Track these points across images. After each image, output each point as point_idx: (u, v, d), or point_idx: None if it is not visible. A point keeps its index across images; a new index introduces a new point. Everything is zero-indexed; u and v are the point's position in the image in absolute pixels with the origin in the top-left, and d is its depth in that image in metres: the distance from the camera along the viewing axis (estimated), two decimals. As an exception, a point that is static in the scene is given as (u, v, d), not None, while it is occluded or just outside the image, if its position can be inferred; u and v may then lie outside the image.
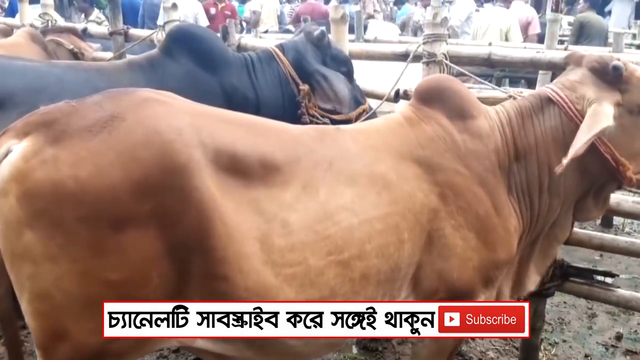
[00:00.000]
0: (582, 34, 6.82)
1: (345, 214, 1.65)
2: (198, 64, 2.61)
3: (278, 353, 1.70)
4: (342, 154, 1.74)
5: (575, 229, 2.65)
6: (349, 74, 2.88)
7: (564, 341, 3.27)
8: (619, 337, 3.30)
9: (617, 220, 4.97)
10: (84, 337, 1.46)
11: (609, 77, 1.84)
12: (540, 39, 6.26)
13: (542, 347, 3.11)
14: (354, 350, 2.95)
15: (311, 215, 1.61)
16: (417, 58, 2.85)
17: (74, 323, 1.45)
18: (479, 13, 7.33)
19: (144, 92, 1.61)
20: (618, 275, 2.69)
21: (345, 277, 1.64)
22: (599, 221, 4.97)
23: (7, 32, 4.62)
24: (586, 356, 3.13)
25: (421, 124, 1.88)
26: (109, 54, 4.19)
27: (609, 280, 2.79)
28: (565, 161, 1.71)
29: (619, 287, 2.63)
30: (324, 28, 2.84)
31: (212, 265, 1.48)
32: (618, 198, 2.46)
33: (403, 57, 2.97)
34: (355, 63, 2.99)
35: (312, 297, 1.61)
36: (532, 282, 2.13)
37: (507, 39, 6.33)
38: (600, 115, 1.75)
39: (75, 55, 3.96)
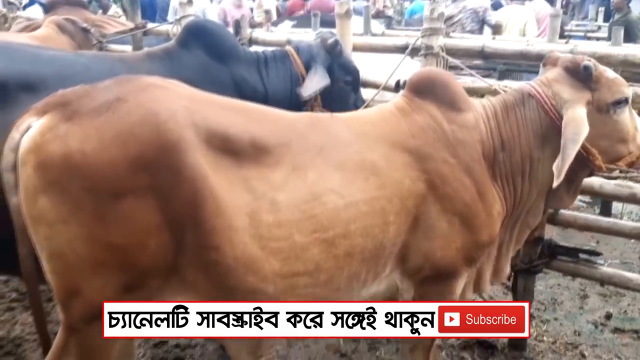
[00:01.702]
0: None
1: (332, 196, 1.77)
2: (211, 56, 2.78)
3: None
4: (334, 140, 1.86)
5: (563, 211, 2.85)
6: (354, 83, 3.06)
7: (555, 319, 3.43)
8: (608, 317, 3.44)
9: (615, 210, 5.10)
10: (94, 294, 1.62)
11: (581, 76, 2.00)
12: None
13: (533, 324, 3.29)
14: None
15: (299, 195, 1.73)
16: (416, 50, 3.05)
17: (84, 282, 1.61)
18: (497, 12, 7.48)
19: (148, 78, 1.77)
20: (601, 254, 2.85)
21: (330, 253, 1.76)
22: (597, 210, 5.13)
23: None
24: (575, 332, 3.28)
25: (413, 114, 2.00)
26: (127, 47, 4.42)
27: (600, 260, 2.95)
28: (561, 174, 1.85)
29: (602, 265, 2.80)
30: (337, 38, 3.01)
31: (203, 235, 1.62)
32: (601, 181, 2.64)
33: (403, 49, 3.17)
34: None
35: (297, 270, 1.73)
36: (508, 267, 2.28)
37: (524, 34, 6.54)
38: (579, 126, 1.91)
39: (88, 32, 4.08)
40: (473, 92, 2.40)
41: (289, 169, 1.77)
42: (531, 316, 3.31)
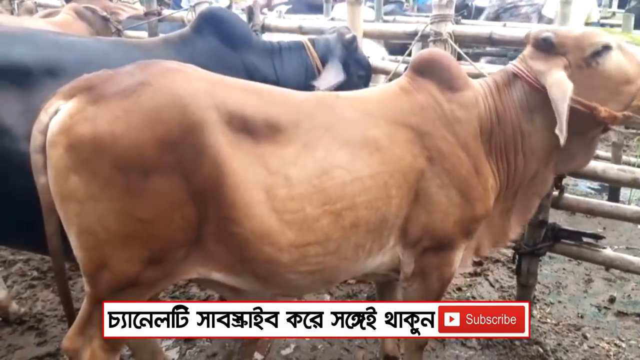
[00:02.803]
0: None
1: (339, 171, 1.88)
2: (224, 43, 2.88)
3: (280, 286, 1.96)
4: (340, 119, 1.96)
5: (567, 195, 2.91)
6: (366, 79, 3.16)
7: (559, 302, 3.50)
8: (612, 300, 3.51)
9: (624, 197, 5.14)
10: (121, 266, 1.72)
11: (545, 47, 2.07)
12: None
13: (537, 307, 3.37)
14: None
15: (309, 171, 1.85)
16: (425, 37, 3.11)
17: (113, 254, 1.70)
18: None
19: (168, 63, 1.86)
20: (604, 237, 2.90)
21: (338, 224, 1.88)
22: (606, 197, 5.17)
23: (32, 10, 4.95)
24: (578, 315, 3.36)
25: (414, 93, 2.09)
26: (143, 34, 4.51)
27: (603, 244, 3.00)
28: (562, 133, 1.89)
29: (604, 248, 2.86)
30: (355, 34, 3.09)
31: (224, 210, 1.73)
32: (604, 165, 2.69)
33: (413, 36, 3.22)
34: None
35: (309, 240, 1.85)
36: (514, 232, 2.36)
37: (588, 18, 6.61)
38: (562, 85, 1.97)
39: (107, 20, 4.22)
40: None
41: (299, 146, 1.87)
42: (535, 299, 3.39)
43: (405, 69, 3.08)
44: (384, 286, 2.62)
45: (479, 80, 2.22)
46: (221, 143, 1.73)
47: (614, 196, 5.08)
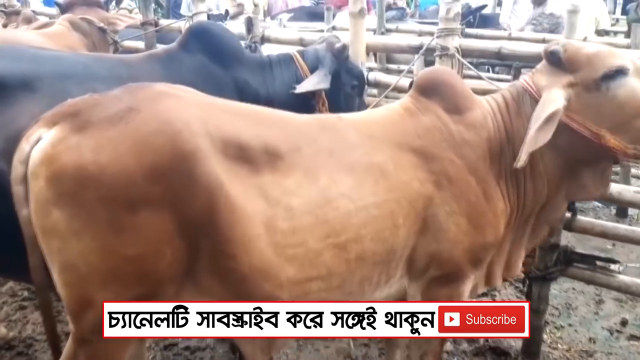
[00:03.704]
0: None
1: (343, 200, 1.77)
2: (213, 59, 2.75)
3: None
4: (343, 143, 1.86)
5: (580, 217, 2.78)
6: (360, 89, 3.05)
7: (570, 325, 3.38)
8: (624, 323, 3.39)
9: (632, 210, 5.01)
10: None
11: (553, 62, 1.95)
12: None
13: (547, 330, 3.24)
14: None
15: (312, 201, 1.73)
16: (431, 51, 2.99)
17: (97, 294, 1.59)
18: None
19: (158, 86, 1.75)
20: (620, 262, 2.79)
21: (342, 258, 1.77)
22: (614, 211, 5.04)
23: (30, 19, 4.85)
24: (590, 340, 3.24)
25: (419, 114, 1.98)
26: (140, 44, 4.40)
27: (614, 266, 2.89)
28: (523, 156, 1.79)
29: (619, 273, 2.74)
30: (346, 42, 2.99)
31: (220, 244, 1.62)
32: (620, 187, 2.57)
33: (418, 50, 3.11)
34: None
35: (311, 275, 1.74)
36: (520, 264, 2.23)
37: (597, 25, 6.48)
38: (546, 104, 1.84)
39: (104, 32, 4.12)
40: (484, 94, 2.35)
41: (301, 174, 1.76)
42: (545, 322, 3.26)
43: (410, 84, 3.00)
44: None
45: (487, 98, 2.10)
46: (215, 173, 1.61)
47: (622, 211, 4.96)
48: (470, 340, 3.12)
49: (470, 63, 2.97)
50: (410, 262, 1.96)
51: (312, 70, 2.84)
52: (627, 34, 6.23)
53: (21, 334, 3.12)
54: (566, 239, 2.99)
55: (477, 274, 2.08)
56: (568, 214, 2.68)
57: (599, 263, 2.76)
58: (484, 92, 2.26)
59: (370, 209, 1.81)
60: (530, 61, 2.78)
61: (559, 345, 3.15)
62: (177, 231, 1.59)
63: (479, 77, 2.79)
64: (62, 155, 1.53)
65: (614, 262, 2.78)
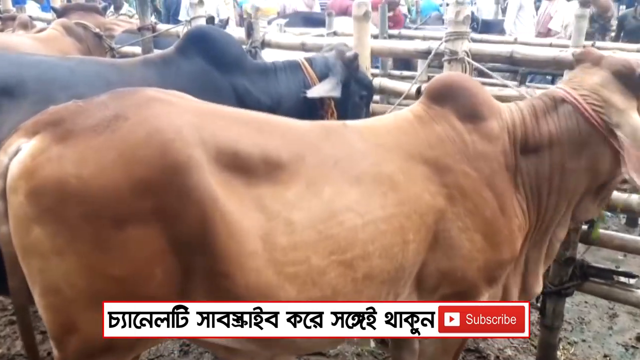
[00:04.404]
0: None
1: (349, 214, 1.64)
2: (211, 65, 2.62)
3: (279, 346, 1.73)
4: (349, 152, 1.73)
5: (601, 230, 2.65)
6: (368, 99, 2.94)
7: (584, 341, 3.26)
8: (639, 338, 3.28)
9: (642, 219, 4.89)
10: (92, 330, 1.48)
11: (633, 82, 1.82)
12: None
13: (560, 346, 3.10)
14: (372, 344, 2.99)
15: (315, 214, 1.60)
16: (439, 56, 2.86)
17: (82, 316, 1.48)
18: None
19: (148, 91, 1.62)
20: (638, 276, 2.65)
21: (348, 277, 1.64)
22: (623, 220, 4.92)
23: (26, 24, 4.74)
24: (605, 356, 3.12)
25: (431, 123, 1.86)
26: (137, 50, 4.28)
27: (632, 281, 2.77)
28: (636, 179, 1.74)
29: (639, 288, 2.60)
30: (357, 52, 2.88)
31: (213, 262, 1.49)
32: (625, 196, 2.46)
33: (426, 54, 2.98)
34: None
35: (314, 296, 1.60)
36: (540, 285, 2.12)
37: None
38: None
39: (100, 37, 4.01)
40: (499, 100, 2.22)
41: (303, 185, 1.62)
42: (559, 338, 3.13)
43: (418, 90, 2.87)
44: (396, 342, 2.34)
45: (511, 106, 1.96)
46: (210, 185, 1.47)
47: (632, 221, 4.83)
48: (481, 357, 3.00)
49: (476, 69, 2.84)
50: (420, 279, 1.83)
51: (321, 78, 2.72)
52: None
53: (10, 350, 3.00)
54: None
55: (491, 292, 1.95)
56: (585, 226, 2.56)
57: (616, 277, 2.63)
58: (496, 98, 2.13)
59: (378, 224, 1.68)
60: (542, 66, 2.65)
61: (574, 363, 3.02)
62: (168, 249, 1.46)
63: (491, 83, 2.66)
64: (42, 168, 1.40)
65: (633, 276, 2.64)
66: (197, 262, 1.49)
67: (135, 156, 1.42)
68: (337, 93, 2.64)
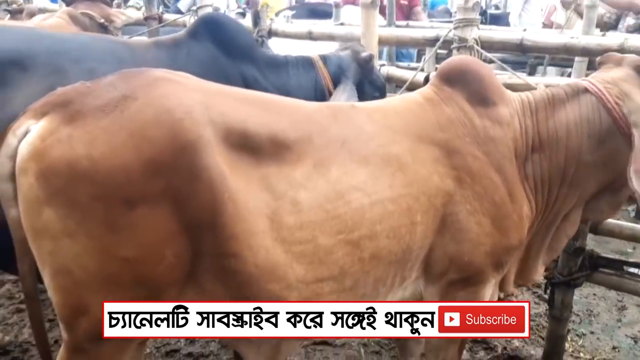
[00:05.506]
0: None
1: (356, 194, 1.64)
2: (222, 51, 2.61)
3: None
4: (357, 133, 1.72)
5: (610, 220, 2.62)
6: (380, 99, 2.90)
7: (592, 333, 3.23)
8: (648, 331, 3.25)
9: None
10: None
11: None
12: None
13: (569, 338, 3.08)
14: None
15: (321, 194, 1.60)
16: (448, 43, 2.83)
17: (93, 299, 1.47)
18: None
19: (156, 71, 1.60)
20: (649, 267, 2.63)
21: (355, 256, 1.64)
22: (632, 213, 4.87)
23: (34, 13, 4.73)
24: (614, 348, 3.08)
25: (442, 105, 1.85)
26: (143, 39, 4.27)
27: (641, 272, 2.74)
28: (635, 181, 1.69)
29: (648, 279, 2.57)
30: (372, 53, 2.85)
31: (222, 242, 1.49)
32: None
33: (434, 42, 2.95)
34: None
35: (322, 274, 1.61)
36: (538, 274, 2.10)
37: None
38: None
39: (106, 28, 4.01)
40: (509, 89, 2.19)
41: (310, 165, 1.62)
42: (567, 330, 3.10)
43: (426, 79, 2.85)
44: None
45: (522, 95, 1.94)
46: (219, 165, 1.47)
47: (641, 212, 4.79)
48: (488, 348, 2.98)
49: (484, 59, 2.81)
50: (427, 263, 1.83)
51: (334, 77, 2.70)
52: None
53: (17, 338, 3.00)
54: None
55: (497, 277, 1.95)
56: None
57: (627, 268, 2.60)
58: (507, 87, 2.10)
59: (385, 204, 1.67)
60: (552, 53, 2.61)
61: (581, 354, 3.00)
62: (179, 230, 1.46)
63: (502, 68, 2.62)
64: (52, 149, 1.39)
65: (643, 267, 2.62)
66: (207, 242, 1.49)
67: (145, 136, 1.42)
68: (355, 99, 2.61)
